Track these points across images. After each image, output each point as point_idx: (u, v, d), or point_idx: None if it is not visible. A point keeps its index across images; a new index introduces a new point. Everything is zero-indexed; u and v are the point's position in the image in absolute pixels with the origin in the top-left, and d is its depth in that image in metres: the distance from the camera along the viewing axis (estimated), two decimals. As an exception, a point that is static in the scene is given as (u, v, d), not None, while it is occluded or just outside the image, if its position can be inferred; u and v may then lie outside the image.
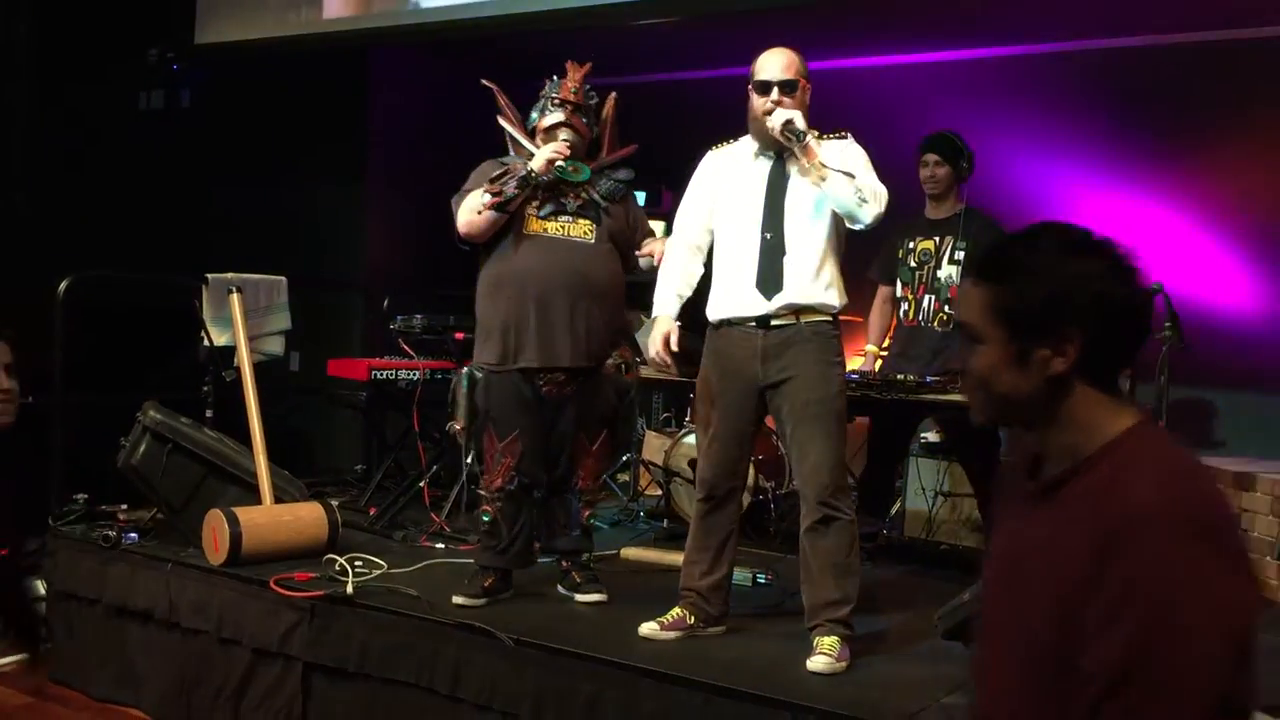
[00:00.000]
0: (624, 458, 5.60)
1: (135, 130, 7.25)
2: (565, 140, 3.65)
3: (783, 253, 3.28)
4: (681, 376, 4.31)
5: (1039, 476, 1.45)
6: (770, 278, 3.28)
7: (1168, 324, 4.60)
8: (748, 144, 3.42)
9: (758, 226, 3.32)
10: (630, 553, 4.52)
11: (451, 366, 5.11)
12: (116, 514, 4.52)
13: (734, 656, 3.20)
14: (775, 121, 3.24)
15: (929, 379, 4.28)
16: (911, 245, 4.66)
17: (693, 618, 3.37)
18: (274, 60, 6.81)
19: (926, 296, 4.61)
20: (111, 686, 4.15)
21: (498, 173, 3.66)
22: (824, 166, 3.21)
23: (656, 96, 7.08)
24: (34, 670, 4.33)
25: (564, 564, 3.82)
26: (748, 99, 3.38)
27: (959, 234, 4.55)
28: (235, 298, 4.62)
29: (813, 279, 3.27)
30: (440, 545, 4.46)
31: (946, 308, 4.55)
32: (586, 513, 3.81)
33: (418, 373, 5.08)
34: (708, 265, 3.51)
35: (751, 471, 4.90)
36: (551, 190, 3.66)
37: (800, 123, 3.23)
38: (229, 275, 4.92)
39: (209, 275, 4.95)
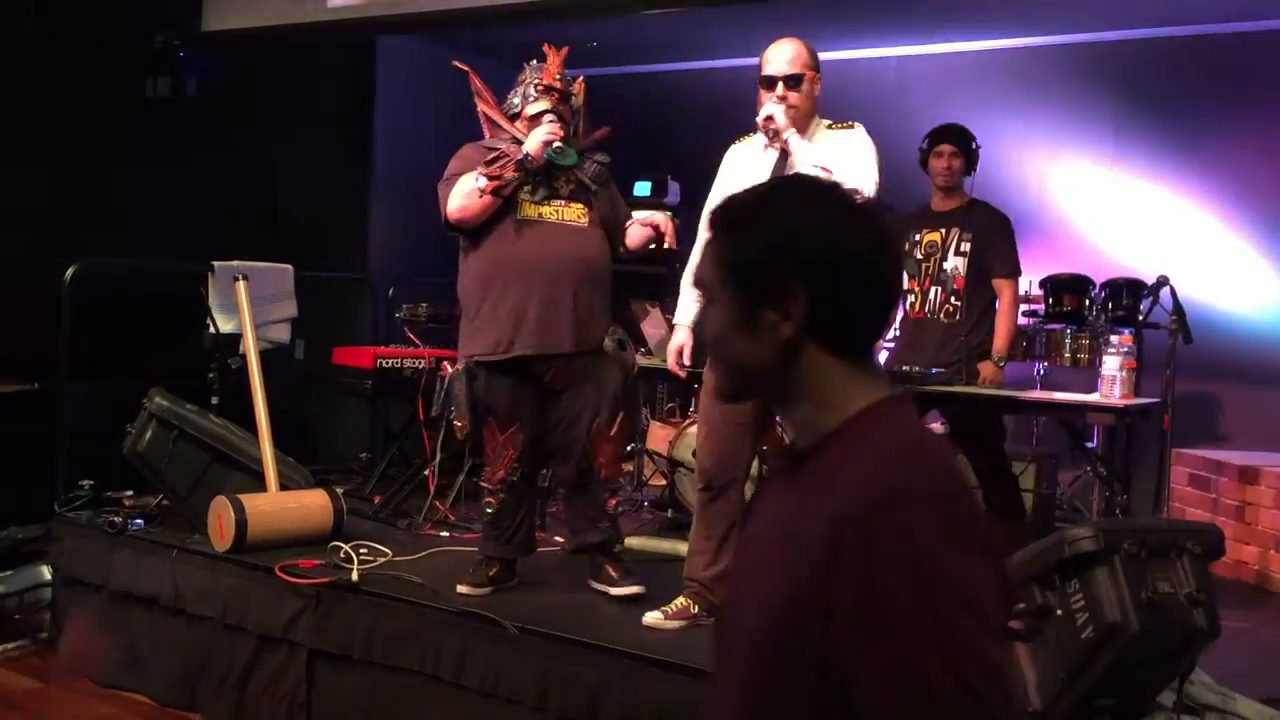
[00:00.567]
0: (629, 447, 5.61)
1: (141, 117, 7.25)
2: (555, 122, 3.63)
3: None
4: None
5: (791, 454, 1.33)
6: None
7: (1174, 317, 4.60)
8: (761, 136, 3.43)
9: None
10: (635, 542, 4.52)
11: (456, 355, 5.11)
12: (122, 500, 4.53)
13: (738, 646, 3.20)
14: (760, 116, 3.26)
15: (934, 371, 4.27)
16: (917, 237, 4.65)
17: (697, 607, 3.38)
18: (280, 48, 6.80)
19: (933, 288, 4.60)
20: (117, 672, 4.16)
21: (493, 156, 3.62)
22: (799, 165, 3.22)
23: (662, 86, 7.09)
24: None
25: (596, 558, 3.75)
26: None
27: (965, 226, 4.54)
28: (241, 285, 4.62)
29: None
30: (445, 533, 4.47)
31: (953, 299, 4.55)
32: (613, 502, 3.76)
33: (423, 361, 5.09)
34: None
35: (756, 463, 4.91)
36: (543, 175, 3.63)
37: (779, 119, 3.24)
38: (235, 263, 4.93)
39: (215, 263, 4.96)
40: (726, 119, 3.57)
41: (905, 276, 4.68)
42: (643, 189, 6.33)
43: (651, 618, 3.35)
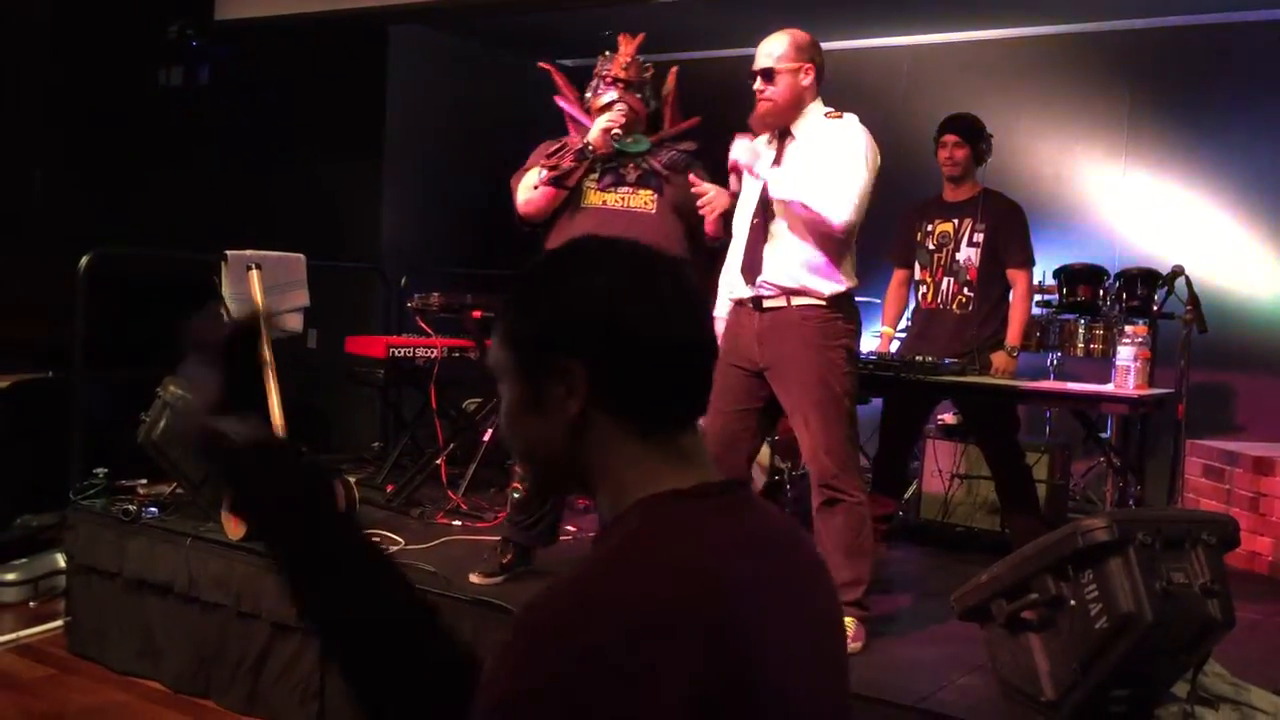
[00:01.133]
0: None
1: (155, 107, 7.26)
2: (620, 110, 3.62)
3: (766, 236, 3.30)
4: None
5: None
6: (752, 261, 3.30)
7: (1188, 308, 4.57)
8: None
9: (751, 211, 3.36)
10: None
11: (469, 345, 5.12)
12: (136, 489, 4.56)
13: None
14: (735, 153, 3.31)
15: (947, 361, 4.26)
16: (929, 228, 4.63)
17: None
18: (293, 37, 6.81)
19: (945, 279, 4.58)
20: (131, 659, 4.18)
21: (554, 148, 3.63)
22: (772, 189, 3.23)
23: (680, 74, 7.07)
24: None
25: None
26: None
27: (978, 216, 4.52)
28: (254, 274, 4.63)
29: (797, 263, 3.25)
30: (457, 522, 4.48)
31: (966, 290, 4.53)
32: None
33: (435, 350, 5.09)
34: None
35: (767, 452, 4.91)
36: (610, 162, 3.63)
37: (742, 155, 3.27)
38: (248, 252, 4.93)
39: (228, 252, 4.96)
40: (740, 107, 3.56)
41: (918, 267, 4.67)
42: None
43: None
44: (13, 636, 4.42)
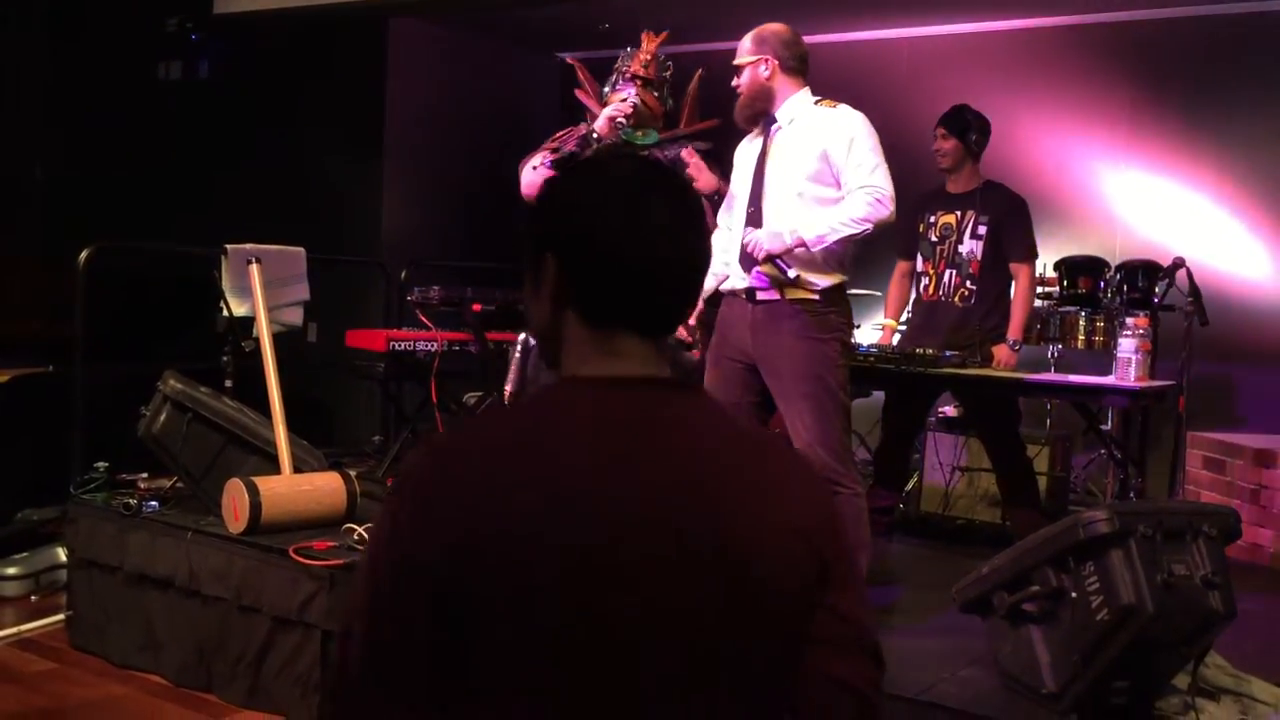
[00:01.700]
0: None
1: (154, 101, 7.26)
2: (629, 100, 3.62)
3: (759, 226, 3.31)
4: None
5: None
6: (746, 253, 3.31)
7: (1190, 300, 4.57)
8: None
9: (745, 203, 3.38)
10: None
11: (470, 338, 5.11)
12: (137, 482, 4.55)
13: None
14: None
15: (948, 354, 4.26)
16: (932, 219, 4.62)
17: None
18: (292, 31, 6.80)
19: (948, 271, 4.58)
20: (133, 653, 4.18)
21: (560, 133, 3.64)
22: (799, 246, 3.21)
23: (674, 68, 7.06)
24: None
25: None
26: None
27: (981, 208, 4.51)
28: (254, 268, 4.62)
29: (792, 255, 3.25)
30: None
31: (968, 283, 4.53)
32: None
33: (436, 344, 5.09)
34: None
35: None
36: None
37: (771, 246, 3.23)
38: (248, 246, 4.93)
39: (228, 246, 4.96)
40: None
41: (920, 259, 4.67)
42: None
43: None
44: (13, 631, 4.42)
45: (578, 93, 3.82)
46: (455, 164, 6.91)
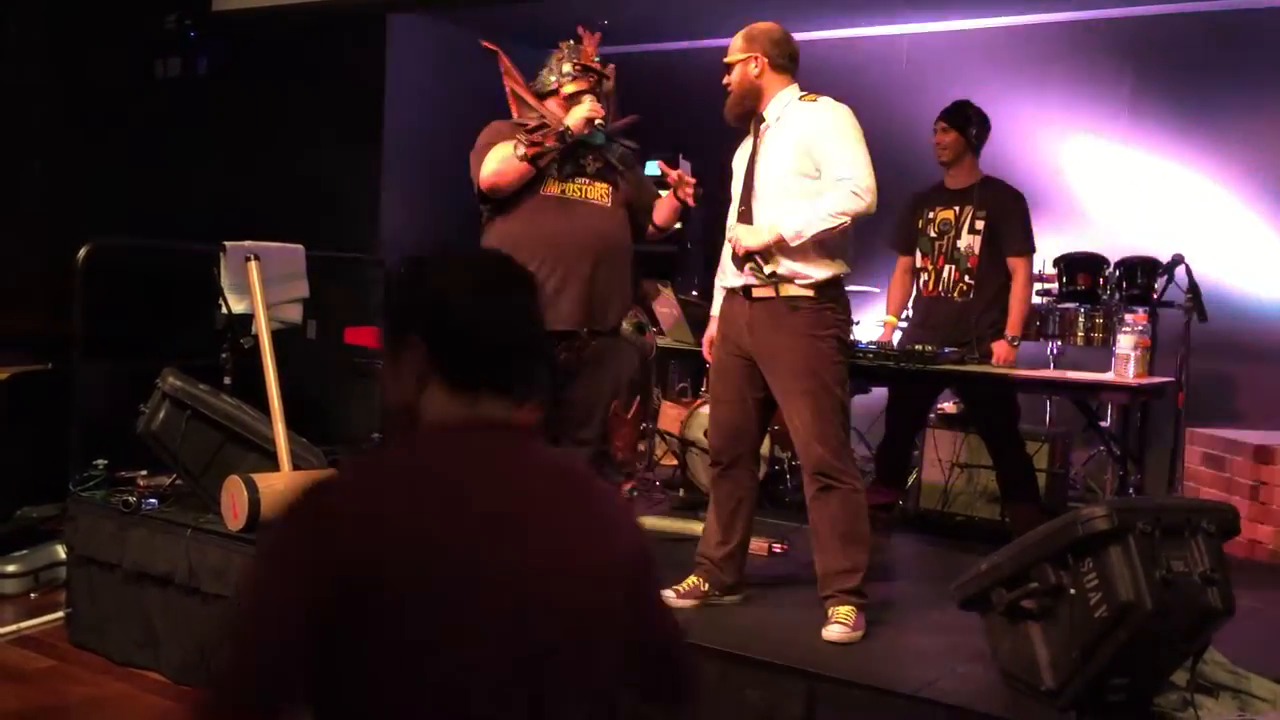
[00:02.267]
0: (640, 426, 5.60)
1: (152, 98, 7.25)
2: (597, 100, 3.64)
3: (749, 224, 3.32)
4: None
5: None
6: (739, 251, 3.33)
7: (1189, 296, 4.57)
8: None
9: (737, 202, 3.39)
10: (646, 522, 4.53)
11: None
12: (136, 480, 4.55)
13: (750, 625, 3.21)
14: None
15: (947, 350, 4.26)
16: (931, 215, 4.62)
17: (707, 585, 3.38)
18: (291, 27, 6.79)
19: (946, 267, 4.57)
20: (132, 650, 4.19)
21: (536, 125, 3.63)
22: (779, 243, 3.21)
23: (672, 66, 7.05)
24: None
25: None
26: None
27: (979, 203, 4.51)
28: (253, 265, 4.62)
29: (785, 249, 3.25)
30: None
31: (967, 278, 4.52)
32: (628, 485, 3.77)
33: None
34: None
35: (767, 442, 4.91)
36: (570, 153, 3.64)
37: (751, 243, 3.24)
38: (247, 243, 4.92)
39: (227, 243, 4.95)
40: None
41: (919, 255, 4.66)
42: (652, 168, 6.31)
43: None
44: (13, 628, 4.42)
45: (507, 80, 3.79)
46: (454, 161, 6.84)
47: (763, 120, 3.36)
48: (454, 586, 1.31)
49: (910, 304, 4.85)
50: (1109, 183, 6.14)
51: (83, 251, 4.75)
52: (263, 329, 4.47)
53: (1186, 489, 4.80)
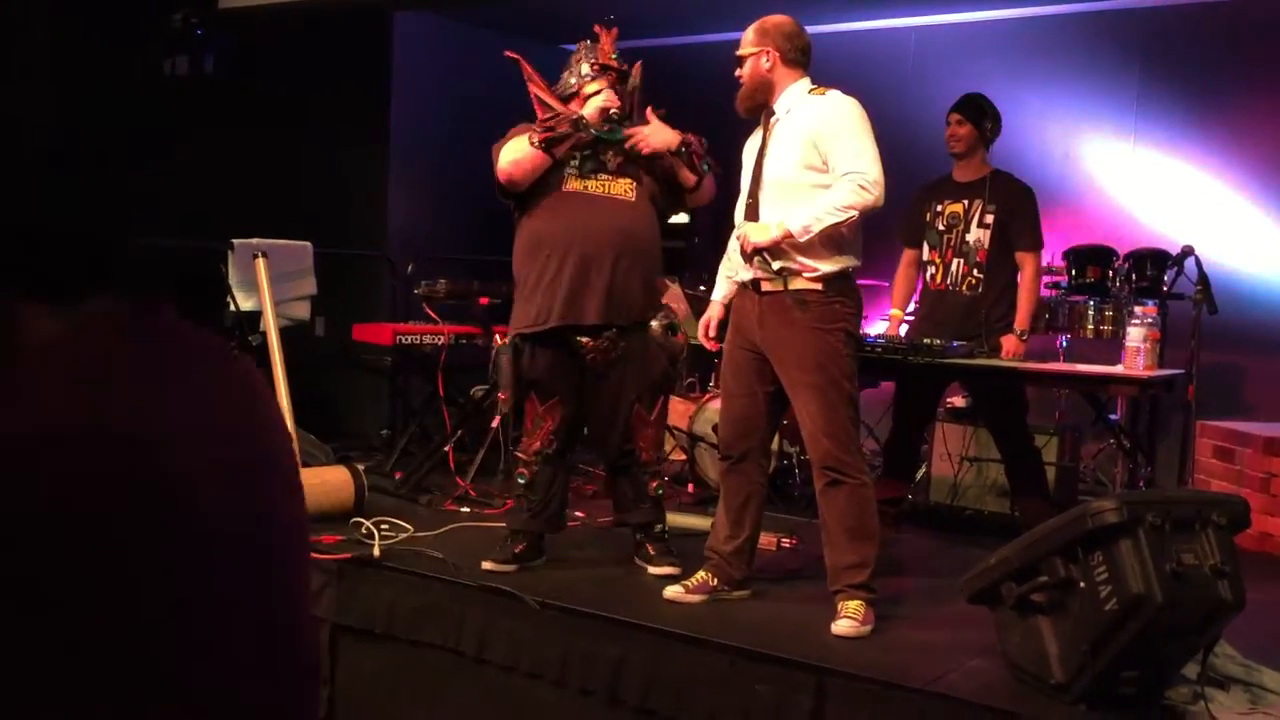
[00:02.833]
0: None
1: (160, 96, 7.25)
2: (614, 92, 3.64)
3: (756, 218, 3.32)
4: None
5: None
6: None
7: (1198, 288, 4.55)
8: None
9: (745, 195, 3.39)
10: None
11: (478, 331, 5.11)
12: (145, 477, 4.56)
13: (759, 619, 3.21)
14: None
15: (955, 344, 4.25)
16: (939, 208, 4.61)
17: (716, 580, 3.38)
18: (298, 24, 6.79)
19: (955, 260, 4.56)
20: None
21: (548, 115, 3.63)
22: (787, 239, 3.20)
23: (678, 59, 7.04)
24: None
25: (637, 536, 3.79)
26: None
27: (988, 197, 4.50)
28: (261, 263, 4.63)
29: (785, 246, 3.24)
30: (466, 509, 4.48)
31: (975, 271, 4.51)
32: (654, 484, 3.77)
33: (442, 337, 5.09)
34: None
35: (776, 436, 4.90)
36: (590, 148, 3.64)
37: (760, 239, 3.24)
38: (254, 240, 4.93)
39: (234, 240, 4.96)
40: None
41: (926, 248, 4.65)
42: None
43: (672, 591, 3.36)
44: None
45: (531, 87, 3.79)
46: (461, 157, 6.88)
47: (773, 114, 3.35)
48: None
49: (917, 297, 4.83)
50: (1118, 175, 6.12)
51: (91, 250, 4.75)
52: (271, 326, 4.48)
53: (1197, 482, 4.78)
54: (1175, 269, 4.83)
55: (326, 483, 4.18)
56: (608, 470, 3.89)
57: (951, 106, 4.59)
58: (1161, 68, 5.95)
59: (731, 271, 3.48)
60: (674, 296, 4.81)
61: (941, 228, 4.59)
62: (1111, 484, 5.30)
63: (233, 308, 4.88)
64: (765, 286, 3.29)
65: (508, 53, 3.90)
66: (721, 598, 3.37)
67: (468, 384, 5.38)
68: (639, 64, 3.85)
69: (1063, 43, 6.20)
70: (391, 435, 5.82)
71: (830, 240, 3.22)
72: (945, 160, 4.66)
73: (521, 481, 3.72)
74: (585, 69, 3.71)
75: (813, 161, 3.23)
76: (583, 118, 3.57)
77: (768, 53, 3.33)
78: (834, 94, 3.31)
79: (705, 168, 3.67)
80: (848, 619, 3.11)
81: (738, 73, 3.38)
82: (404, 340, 5.15)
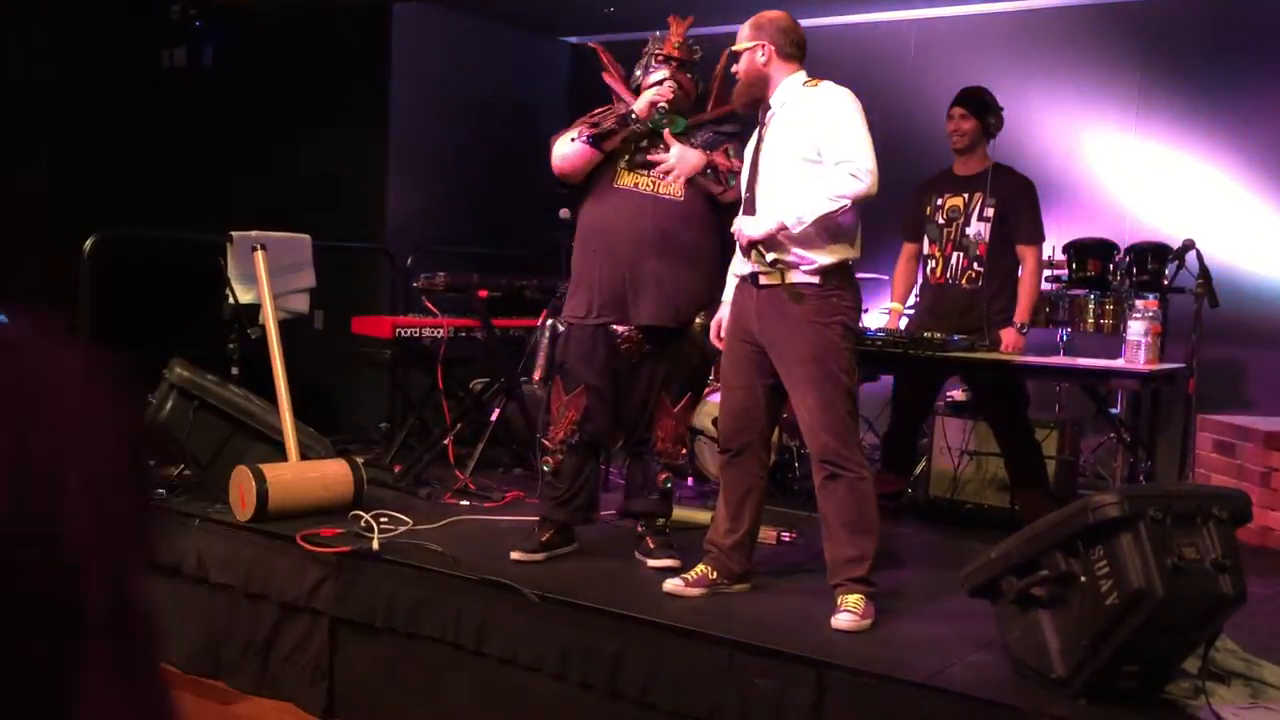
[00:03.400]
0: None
1: (158, 88, 7.24)
2: (669, 85, 3.61)
3: (753, 213, 3.31)
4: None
5: None
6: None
7: (1199, 281, 4.54)
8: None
9: (744, 189, 3.40)
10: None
11: (476, 324, 5.10)
12: (144, 470, 4.55)
13: (759, 613, 3.20)
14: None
15: (955, 337, 4.24)
16: (939, 202, 4.60)
17: (715, 574, 3.38)
18: (296, 16, 6.77)
19: (955, 253, 4.55)
20: (141, 640, 4.19)
21: (597, 110, 3.62)
22: (781, 231, 3.18)
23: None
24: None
25: (639, 527, 3.79)
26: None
27: (988, 191, 4.49)
28: (260, 255, 4.62)
29: (780, 239, 3.23)
30: (465, 502, 4.47)
31: (975, 265, 4.50)
32: (664, 476, 3.76)
33: (442, 330, 5.08)
34: None
35: (776, 429, 4.90)
36: (648, 142, 3.62)
37: (754, 232, 3.23)
38: (253, 233, 4.92)
39: (233, 233, 4.95)
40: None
41: (927, 241, 4.64)
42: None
43: (671, 585, 3.35)
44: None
45: (605, 76, 3.81)
46: (460, 150, 6.89)
47: (769, 108, 3.35)
48: None
49: (917, 291, 4.82)
50: (1119, 168, 6.10)
51: (89, 242, 4.74)
52: (270, 319, 4.47)
53: (1197, 476, 4.78)
54: (1176, 262, 4.82)
55: (326, 475, 4.17)
56: (628, 459, 3.88)
57: (954, 100, 4.57)
58: (1163, 61, 5.94)
59: (735, 267, 3.48)
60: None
61: (941, 221, 4.58)
62: (1112, 478, 5.29)
63: (232, 300, 4.87)
64: (763, 280, 3.28)
65: (590, 42, 3.90)
66: (721, 591, 3.37)
67: (467, 377, 5.37)
68: (726, 52, 3.81)
69: (1064, 36, 6.18)
70: (390, 428, 5.82)
71: (827, 232, 3.20)
72: (945, 154, 4.65)
73: (546, 469, 3.74)
74: (650, 60, 3.71)
75: (808, 154, 3.22)
76: (632, 111, 3.56)
77: (763, 47, 3.33)
78: (826, 85, 3.31)
79: (730, 182, 3.64)
80: (848, 613, 3.10)
81: (735, 69, 3.38)
82: (403, 333, 5.14)
